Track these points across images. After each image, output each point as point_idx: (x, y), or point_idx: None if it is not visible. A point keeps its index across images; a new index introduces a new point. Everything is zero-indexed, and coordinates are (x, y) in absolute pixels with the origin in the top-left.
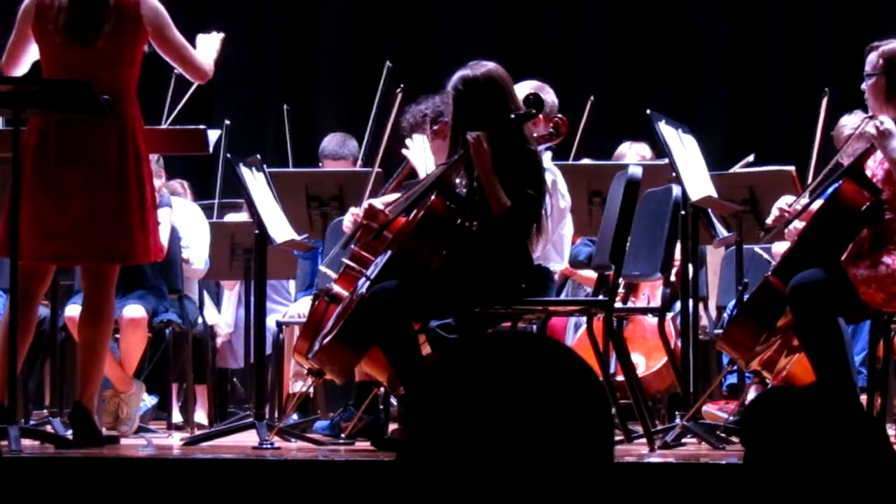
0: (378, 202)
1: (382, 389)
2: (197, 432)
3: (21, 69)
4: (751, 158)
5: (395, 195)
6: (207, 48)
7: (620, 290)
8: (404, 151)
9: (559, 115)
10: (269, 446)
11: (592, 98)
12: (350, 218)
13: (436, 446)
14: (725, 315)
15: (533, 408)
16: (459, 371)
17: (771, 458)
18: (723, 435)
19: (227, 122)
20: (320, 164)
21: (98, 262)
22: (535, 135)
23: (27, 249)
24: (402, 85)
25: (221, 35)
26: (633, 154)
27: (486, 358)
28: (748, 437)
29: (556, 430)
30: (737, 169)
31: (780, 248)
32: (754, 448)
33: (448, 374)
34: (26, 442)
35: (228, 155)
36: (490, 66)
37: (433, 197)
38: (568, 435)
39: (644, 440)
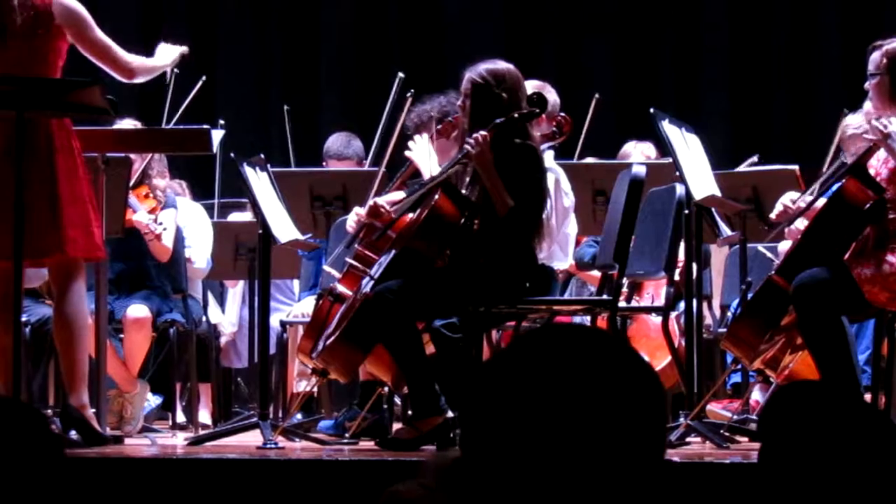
0: (382, 201)
1: (387, 389)
2: (201, 432)
3: None
4: (755, 159)
5: (399, 193)
6: (164, 56)
7: (624, 289)
8: (407, 153)
9: (562, 114)
10: (273, 446)
11: (598, 96)
12: (354, 217)
13: (495, 437)
14: (729, 314)
15: (593, 400)
16: (522, 362)
17: (789, 453)
18: (727, 434)
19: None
20: (324, 164)
21: (39, 261)
22: (538, 134)
23: None
24: (412, 90)
25: (184, 49)
26: (638, 154)
27: (547, 350)
28: (767, 432)
29: (615, 423)
30: (742, 169)
31: (784, 247)
32: (772, 443)
33: (512, 364)
34: None
35: (232, 154)
36: (509, 64)
37: (437, 196)
38: (625, 428)
39: None
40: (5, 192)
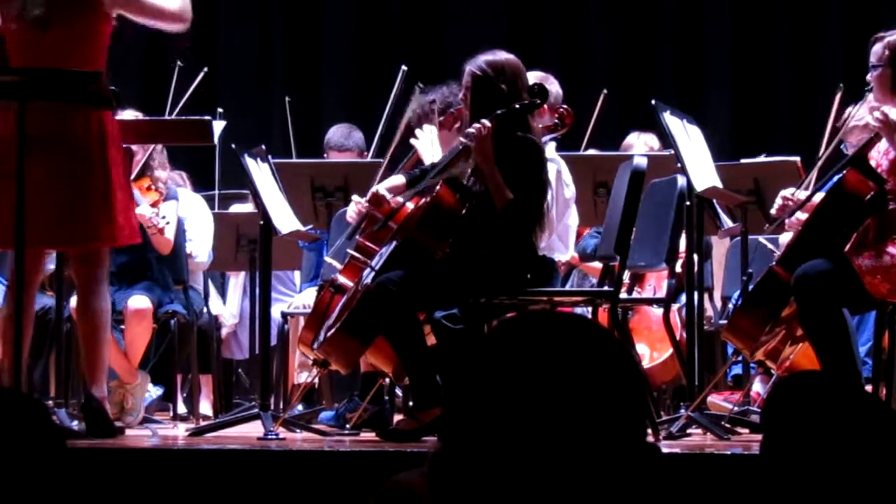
0: (382, 187)
1: (387, 380)
2: (202, 423)
3: None
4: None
5: (399, 177)
6: None
7: (626, 280)
8: (413, 141)
9: (564, 106)
10: (273, 437)
11: (605, 92)
12: (354, 208)
13: (476, 424)
14: (730, 306)
15: (570, 384)
16: (504, 348)
17: (791, 444)
18: (728, 425)
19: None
20: (325, 155)
21: (74, 248)
22: (539, 125)
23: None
24: (420, 84)
25: None
26: (641, 145)
27: (523, 336)
28: (769, 423)
29: (592, 407)
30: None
31: (785, 238)
32: (774, 434)
33: (493, 351)
34: None
35: (233, 145)
36: (510, 55)
37: (439, 187)
38: (603, 412)
39: (649, 431)
40: (43, 181)
